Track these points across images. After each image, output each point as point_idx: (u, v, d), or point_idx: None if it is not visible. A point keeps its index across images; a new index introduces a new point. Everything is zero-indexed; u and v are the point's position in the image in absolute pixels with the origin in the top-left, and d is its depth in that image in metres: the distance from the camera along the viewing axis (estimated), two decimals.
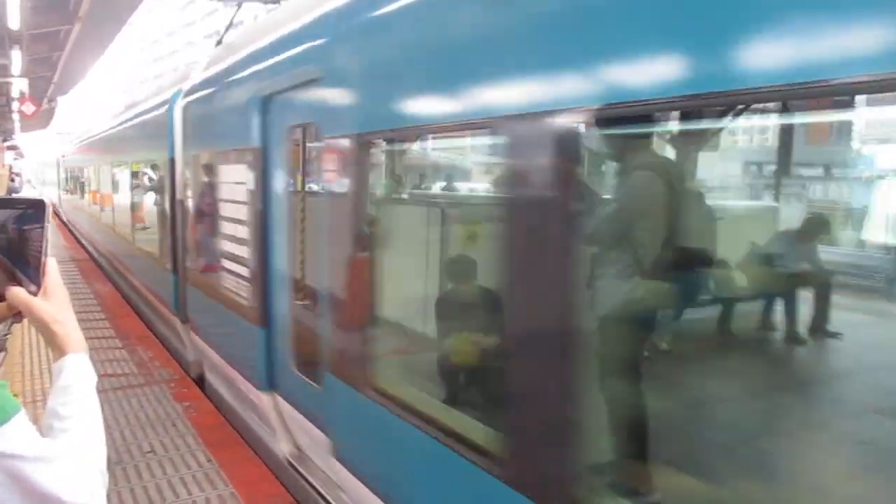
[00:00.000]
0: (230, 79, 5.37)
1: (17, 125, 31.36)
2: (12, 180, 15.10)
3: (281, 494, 4.17)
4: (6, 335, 1.19)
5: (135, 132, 9.30)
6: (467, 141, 4.33)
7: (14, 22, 8.60)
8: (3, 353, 1.40)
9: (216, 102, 5.76)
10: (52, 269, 1.13)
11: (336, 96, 3.52)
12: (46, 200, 1.14)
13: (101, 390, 3.92)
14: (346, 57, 3.47)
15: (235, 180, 4.99)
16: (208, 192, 5.87)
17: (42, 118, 36.97)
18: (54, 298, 1.12)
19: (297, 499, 4.10)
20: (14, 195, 11.20)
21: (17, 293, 1.08)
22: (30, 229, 1.10)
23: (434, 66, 2.81)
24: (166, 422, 5.37)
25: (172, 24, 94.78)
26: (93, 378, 1.14)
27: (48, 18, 12.61)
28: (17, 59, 12.00)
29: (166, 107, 7.19)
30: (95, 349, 7.69)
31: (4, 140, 37.64)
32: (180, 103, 6.72)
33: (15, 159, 46.33)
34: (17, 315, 1.12)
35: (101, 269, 14.15)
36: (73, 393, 1.09)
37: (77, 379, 1.11)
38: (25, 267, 1.10)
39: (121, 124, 10.59)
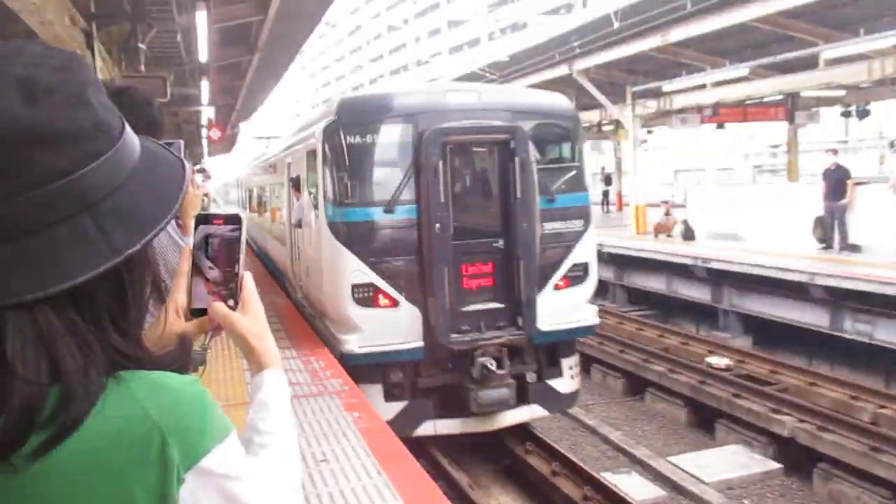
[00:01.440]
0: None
1: (205, 150, 34.39)
2: (202, 200, 16.46)
3: None
4: (206, 349, 1.20)
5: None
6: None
7: (203, 55, 9.37)
8: (203, 367, 1.46)
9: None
10: (249, 283, 1.13)
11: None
12: (243, 215, 1.15)
13: None
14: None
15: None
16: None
17: (225, 143, 40.44)
18: (251, 313, 1.12)
19: None
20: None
21: (219, 307, 1.09)
22: (228, 243, 1.11)
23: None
24: (338, 432, 5.54)
25: (341, 49, 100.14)
26: (288, 393, 1.14)
27: (231, 51, 13.69)
28: (205, 89, 13.09)
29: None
30: None
31: (195, 164, 41.31)
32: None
33: (203, 181, 50.88)
34: (216, 329, 1.12)
35: (277, 282, 15.04)
36: (271, 409, 1.08)
37: (275, 394, 1.10)
38: (225, 281, 1.11)
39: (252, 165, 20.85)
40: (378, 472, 4.70)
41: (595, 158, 43.28)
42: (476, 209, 7.78)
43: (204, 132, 21.66)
